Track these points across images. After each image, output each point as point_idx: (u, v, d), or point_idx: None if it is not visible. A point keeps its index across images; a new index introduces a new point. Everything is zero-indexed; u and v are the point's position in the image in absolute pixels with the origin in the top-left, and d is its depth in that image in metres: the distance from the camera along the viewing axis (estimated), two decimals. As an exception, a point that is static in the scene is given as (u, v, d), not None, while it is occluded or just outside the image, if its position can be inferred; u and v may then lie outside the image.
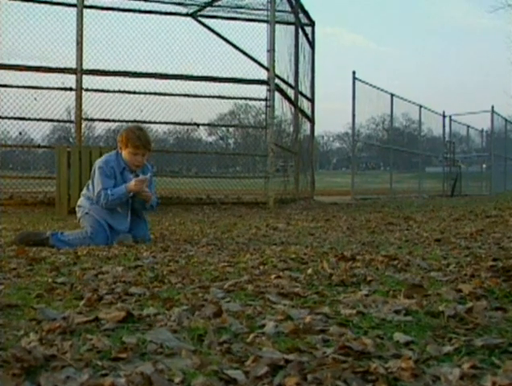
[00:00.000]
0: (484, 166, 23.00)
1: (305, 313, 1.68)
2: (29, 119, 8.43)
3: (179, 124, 9.71)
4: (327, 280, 2.23)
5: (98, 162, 3.69)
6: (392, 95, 15.13)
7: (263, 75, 9.87)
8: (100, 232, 3.50)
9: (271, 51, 9.11)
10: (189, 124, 9.55)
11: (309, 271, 2.42)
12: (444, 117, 18.96)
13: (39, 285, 2.13)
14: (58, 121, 9.18)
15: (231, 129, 26.34)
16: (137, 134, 3.63)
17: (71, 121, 8.64)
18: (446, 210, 7.44)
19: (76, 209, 3.71)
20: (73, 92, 8.30)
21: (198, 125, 9.73)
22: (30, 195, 8.58)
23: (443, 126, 19.05)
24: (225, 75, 9.37)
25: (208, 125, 10.51)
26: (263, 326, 1.55)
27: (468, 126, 20.82)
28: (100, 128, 10.51)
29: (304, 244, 3.59)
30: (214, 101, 9.54)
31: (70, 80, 8.30)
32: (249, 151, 15.28)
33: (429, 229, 4.55)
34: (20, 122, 8.61)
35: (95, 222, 3.53)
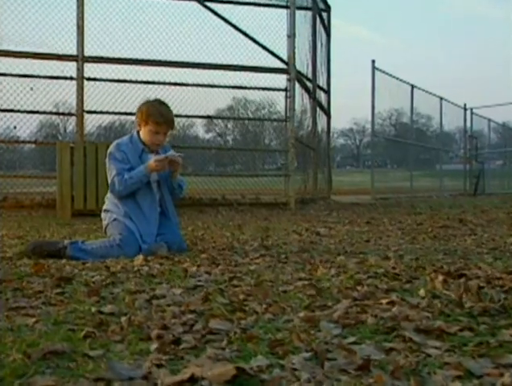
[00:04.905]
0: (501, 162, 22.55)
1: (486, 364, 1.24)
2: (25, 112, 7.90)
3: (193, 116, 9.19)
4: (457, 306, 1.78)
5: (109, 149, 3.29)
6: (412, 86, 14.69)
7: (273, 64, 9.35)
8: (130, 241, 3.03)
9: (292, 36, 8.64)
10: (201, 116, 9.04)
11: (421, 292, 1.98)
12: (466, 110, 18.49)
13: (81, 318, 1.67)
14: (57, 114, 8.69)
15: (229, 126, 25.88)
16: (159, 110, 3.23)
17: (72, 114, 8.12)
18: (495, 211, 7.01)
19: (102, 215, 3.24)
20: (72, 82, 7.83)
21: (211, 117, 9.26)
22: (26, 196, 8.08)
23: (464, 120, 18.60)
24: (232, 64, 8.84)
25: (223, 118, 10.05)
26: (442, 388, 1.11)
27: (490, 120, 20.36)
28: (90, 124, 9.75)
29: (374, 253, 3.14)
30: (215, 94, 8.93)
31: (70, 69, 7.83)
32: (249, 148, 14.69)
33: (504, 235, 4.11)
34: (9, 115, 7.98)
35: (125, 229, 3.06)
